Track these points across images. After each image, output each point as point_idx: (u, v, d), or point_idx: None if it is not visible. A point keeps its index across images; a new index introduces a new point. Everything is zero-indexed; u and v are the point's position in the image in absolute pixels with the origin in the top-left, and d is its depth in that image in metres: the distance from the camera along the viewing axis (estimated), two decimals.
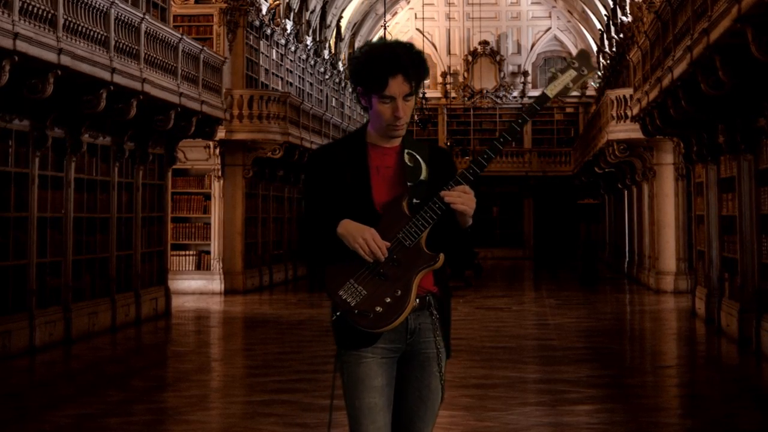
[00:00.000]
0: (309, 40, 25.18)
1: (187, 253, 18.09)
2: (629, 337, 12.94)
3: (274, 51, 21.92)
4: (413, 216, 3.02)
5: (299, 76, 24.50)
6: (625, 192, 23.23)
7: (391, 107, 3.06)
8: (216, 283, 17.99)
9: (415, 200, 3.05)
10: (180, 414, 7.24)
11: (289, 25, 23.09)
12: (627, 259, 23.06)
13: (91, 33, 10.62)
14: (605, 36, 27.24)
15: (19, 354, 10.05)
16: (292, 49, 23.66)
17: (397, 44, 3.10)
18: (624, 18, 23.20)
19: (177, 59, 13.72)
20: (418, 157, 3.13)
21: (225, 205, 18.18)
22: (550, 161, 32.69)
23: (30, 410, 7.52)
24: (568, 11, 33.62)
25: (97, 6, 10.82)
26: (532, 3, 34.28)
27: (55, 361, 10.22)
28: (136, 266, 13.59)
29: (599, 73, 27.27)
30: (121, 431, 6.73)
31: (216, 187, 18.16)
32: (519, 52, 34.50)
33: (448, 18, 34.57)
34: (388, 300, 3.00)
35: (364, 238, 2.97)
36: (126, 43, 11.68)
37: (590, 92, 32.40)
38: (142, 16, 12.23)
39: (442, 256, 3.05)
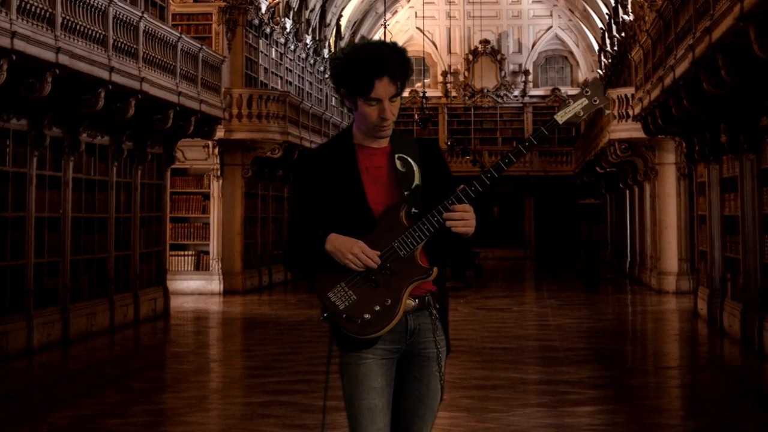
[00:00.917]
0: (308, 39, 25.14)
1: (186, 253, 18.04)
2: (631, 337, 12.89)
3: (273, 50, 21.87)
4: (410, 226, 3.01)
5: (299, 75, 24.46)
6: (627, 192, 23.18)
7: (377, 109, 3.02)
8: (215, 284, 17.94)
9: (413, 210, 3.03)
10: (179, 415, 7.20)
11: (288, 23, 23.04)
12: (628, 259, 23.01)
13: (90, 32, 10.57)
14: (606, 35, 27.20)
15: (17, 355, 10.01)
16: (292, 48, 23.61)
17: (381, 45, 3.04)
18: (625, 16, 23.16)
19: (176, 58, 13.67)
20: (409, 160, 3.10)
21: (224, 205, 18.14)
22: (551, 161, 32.63)
23: (27, 411, 7.49)
24: (570, 10, 33.56)
25: (95, 4, 10.77)
26: (533, 2, 34.22)
27: (53, 362, 10.18)
28: (134, 266, 13.54)
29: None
30: None
31: (215, 187, 18.11)
32: (520, 50, 34.44)
33: (449, 17, 34.52)
34: (377, 308, 2.98)
35: (353, 253, 2.95)
36: (124, 42, 11.63)
37: None
38: (140, 14, 12.18)
39: (435, 269, 3.04)
